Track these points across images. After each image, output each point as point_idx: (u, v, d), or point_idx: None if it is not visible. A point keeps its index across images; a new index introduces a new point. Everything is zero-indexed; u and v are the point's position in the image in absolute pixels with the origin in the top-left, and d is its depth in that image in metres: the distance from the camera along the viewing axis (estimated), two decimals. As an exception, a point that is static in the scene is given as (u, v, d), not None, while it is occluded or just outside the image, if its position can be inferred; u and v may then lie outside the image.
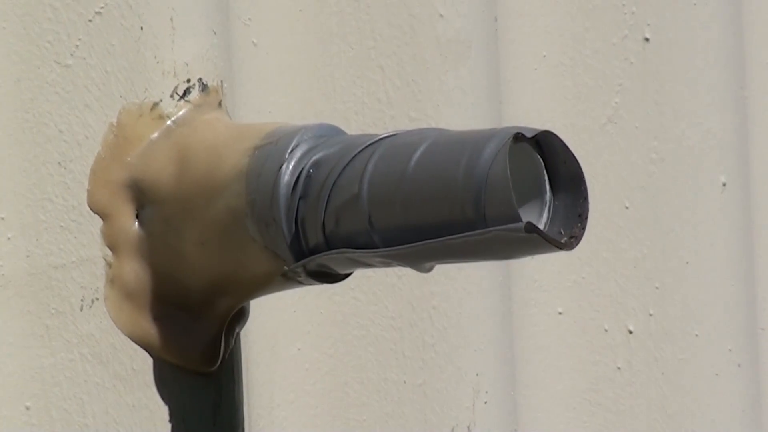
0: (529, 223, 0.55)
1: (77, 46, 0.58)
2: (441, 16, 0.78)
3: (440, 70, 0.79)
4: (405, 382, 0.79)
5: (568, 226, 0.58)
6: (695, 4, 1.00)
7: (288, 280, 0.58)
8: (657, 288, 1.00)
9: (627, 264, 0.99)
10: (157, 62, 0.58)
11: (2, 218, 0.58)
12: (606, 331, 1.01)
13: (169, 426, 0.59)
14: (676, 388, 1.05)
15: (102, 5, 0.57)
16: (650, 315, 1.02)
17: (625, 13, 0.98)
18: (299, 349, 0.74)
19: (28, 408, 0.60)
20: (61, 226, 0.59)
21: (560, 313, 0.98)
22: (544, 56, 0.94)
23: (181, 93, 0.61)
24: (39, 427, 0.60)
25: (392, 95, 0.77)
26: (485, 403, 0.86)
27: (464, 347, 0.83)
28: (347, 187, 0.59)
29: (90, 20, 0.58)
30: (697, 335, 1.02)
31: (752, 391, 1.09)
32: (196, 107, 0.60)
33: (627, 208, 0.95)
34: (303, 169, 0.58)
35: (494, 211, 0.56)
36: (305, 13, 0.75)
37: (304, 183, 0.59)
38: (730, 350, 1.05)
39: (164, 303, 0.59)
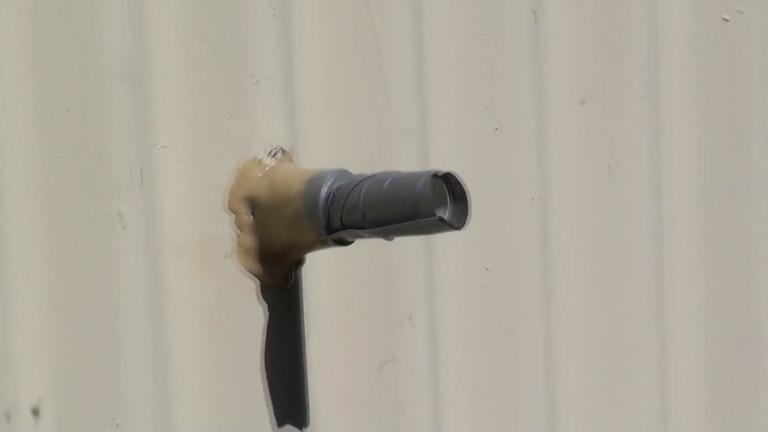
0: (440, 217, 0.97)
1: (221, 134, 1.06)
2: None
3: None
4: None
5: (460, 219, 0.99)
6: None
7: (323, 244, 1.03)
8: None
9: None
10: (261, 141, 1.05)
11: (187, 215, 1.04)
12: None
13: (266, 316, 1.07)
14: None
15: (231, 114, 1.07)
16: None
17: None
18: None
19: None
20: (217, 217, 1.04)
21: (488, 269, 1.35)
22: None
23: (272, 154, 1.07)
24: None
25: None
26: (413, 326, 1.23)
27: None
28: (352, 200, 0.99)
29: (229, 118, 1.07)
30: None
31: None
32: (279, 161, 1.06)
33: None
34: (331, 191, 1.01)
35: (424, 212, 0.97)
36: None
37: (331, 198, 1.01)
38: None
39: (264, 255, 1.05)
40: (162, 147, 1.00)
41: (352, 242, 1.04)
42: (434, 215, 0.97)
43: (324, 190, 1.03)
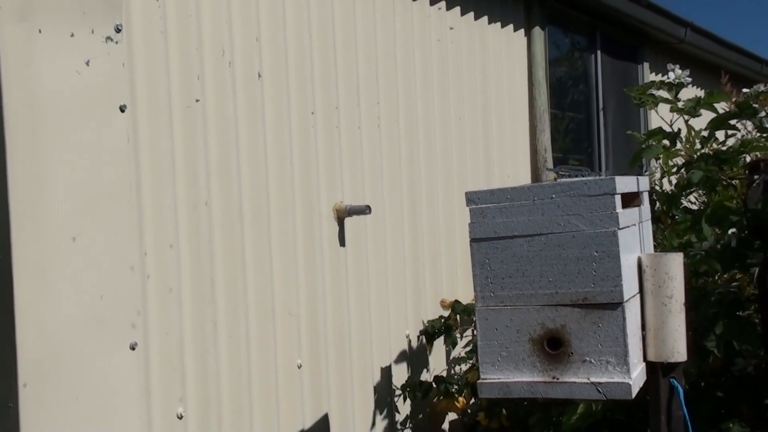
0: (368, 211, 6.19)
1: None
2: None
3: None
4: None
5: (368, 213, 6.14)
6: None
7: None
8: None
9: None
10: (337, 198, 6.11)
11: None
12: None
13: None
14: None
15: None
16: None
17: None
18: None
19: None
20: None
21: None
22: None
23: (340, 201, 6.02)
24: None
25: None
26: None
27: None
28: (352, 210, 6.01)
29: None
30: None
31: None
32: (341, 202, 6.09)
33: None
34: (347, 206, 6.02)
35: (367, 210, 6.15)
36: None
37: (348, 209, 6.13)
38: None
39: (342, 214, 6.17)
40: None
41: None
42: (369, 211, 6.22)
43: (349, 208, 6.26)
